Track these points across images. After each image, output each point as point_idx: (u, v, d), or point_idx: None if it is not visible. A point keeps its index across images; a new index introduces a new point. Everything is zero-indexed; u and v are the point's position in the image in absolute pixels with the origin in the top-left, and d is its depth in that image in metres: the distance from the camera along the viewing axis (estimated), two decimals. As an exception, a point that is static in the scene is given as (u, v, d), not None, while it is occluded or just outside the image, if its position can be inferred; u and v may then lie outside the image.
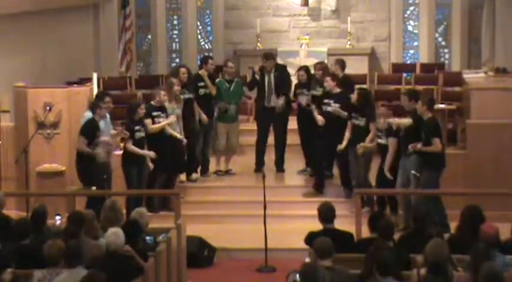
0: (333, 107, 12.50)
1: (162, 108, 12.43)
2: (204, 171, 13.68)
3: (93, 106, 11.76)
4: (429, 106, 11.32)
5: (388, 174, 11.64)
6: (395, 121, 11.68)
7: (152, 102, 12.48)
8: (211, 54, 16.78)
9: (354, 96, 12.48)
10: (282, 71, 13.71)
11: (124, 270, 7.76)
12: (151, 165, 12.16)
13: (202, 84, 13.41)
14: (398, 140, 11.62)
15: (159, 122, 12.35)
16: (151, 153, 12.01)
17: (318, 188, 12.77)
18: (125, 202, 11.57)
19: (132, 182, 11.94)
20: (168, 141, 12.43)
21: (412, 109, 11.58)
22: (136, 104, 12.28)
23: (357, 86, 13.48)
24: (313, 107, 12.87)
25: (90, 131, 11.57)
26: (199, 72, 13.59)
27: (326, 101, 12.61)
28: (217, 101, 13.50)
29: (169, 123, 12.40)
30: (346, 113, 12.40)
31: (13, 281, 7.52)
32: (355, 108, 12.36)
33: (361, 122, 12.19)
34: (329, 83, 12.61)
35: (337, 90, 12.63)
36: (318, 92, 13.07)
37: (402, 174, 11.55)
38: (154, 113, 12.36)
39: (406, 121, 11.53)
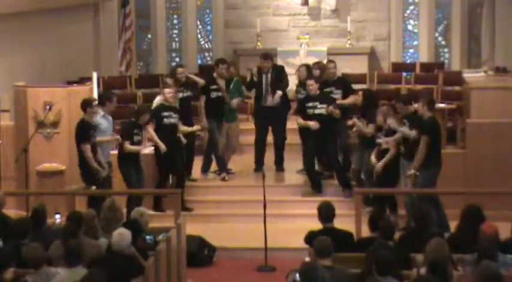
0: (323, 107, 12.48)
1: (173, 108, 12.46)
2: (205, 170, 13.70)
3: (83, 106, 11.66)
4: (429, 107, 11.28)
5: (376, 166, 11.62)
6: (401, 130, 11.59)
7: (164, 102, 12.48)
8: (211, 54, 16.79)
9: (358, 98, 12.50)
10: (279, 71, 13.72)
11: (124, 270, 7.76)
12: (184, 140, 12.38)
13: (214, 87, 13.34)
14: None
15: (170, 122, 12.38)
16: (139, 148, 12.00)
17: (316, 188, 12.77)
18: (126, 202, 11.58)
19: (131, 182, 11.93)
20: (176, 141, 12.45)
21: (409, 112, 11.56)
22: (142, 110, 12.27)
23: (359, 87, 13.57)
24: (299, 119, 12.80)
25: (85, 134, 11.49)
26: (214, 74, 13.48)
27: (310, 104, 12.58)
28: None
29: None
30: (338, 111, 12.44)
31: (13, 280, 7.52)
32: (358, 110, 12.37)
33: (362, 123, 12.19)
34: (314, 86, 12.61)
35: (317, 91, 12.64)
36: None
37: (405, 175, 11.54)
38: (165, 113, 12.38)
39: (412, 133, 11.44)
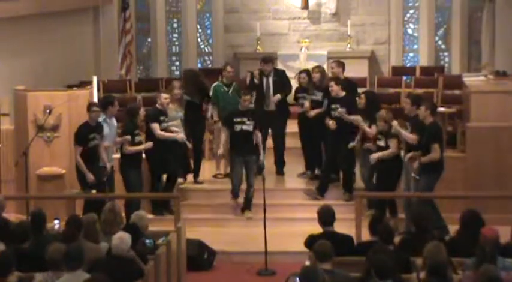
0: (339, 111, 12.46)
1: (166, 113, 12.45)
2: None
3: (87, 108, 11.70)
4: (432, 111, 11.28)
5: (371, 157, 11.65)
6: (402, 133, 11.56)
7: (158, 106, 12.49)
8: (211, 58, 16.73)
9: (360, 101, 12.48)
10: (280, 76, 13.70)
11: (124, 274, 7.75)
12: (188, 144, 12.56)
13: (239, 119, 12.36)
14: (398, 141, 11.62)
15: (166, 127, 12.36)
16: (150, 144, 12.03)
17: (320, 191, 12.75)
18: (124, 206, 11.53)
19: (133, 185, 11.89)
20: (170, 144, 12.44)
21: (413, 115, 11.56)
22: (136, 108, 12.26)
23: (362, 89, 13.53)
24: (329, 120, 12.67)
25: (81, 136, 11.48)
26: (239, 107, 12.49)
27: (333, 106, 12.58)
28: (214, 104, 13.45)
29: (179, 137, 12.44)
30: (351, 117, 12.35)
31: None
32: (361, 112, 12.36)
33: (365, 124, 12.18)
34: (334, 87, 12.58)
35: (342, 93, 12.62)
36: (317, 97, 13.10)
37: (406, 178, 11.54)
38: (161, 118, 12.37)
39: (412, 137, 11.42)
